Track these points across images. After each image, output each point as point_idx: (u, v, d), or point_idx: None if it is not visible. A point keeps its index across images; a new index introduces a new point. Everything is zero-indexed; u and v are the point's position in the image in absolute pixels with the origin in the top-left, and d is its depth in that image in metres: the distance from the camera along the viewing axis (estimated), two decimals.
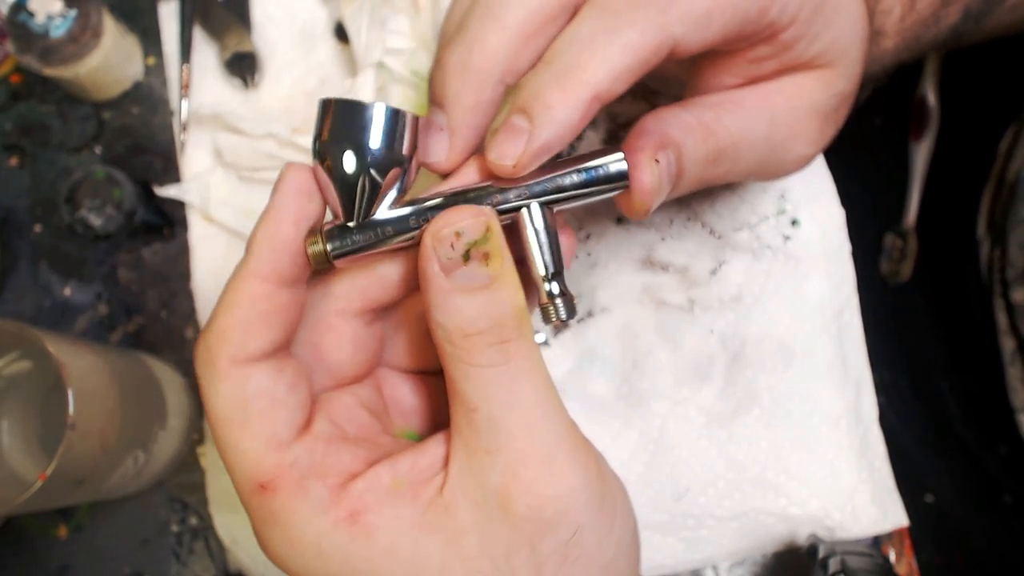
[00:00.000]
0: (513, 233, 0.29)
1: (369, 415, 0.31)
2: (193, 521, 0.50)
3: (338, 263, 0.28)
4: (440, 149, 0.30)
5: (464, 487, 0.26)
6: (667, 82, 0.47)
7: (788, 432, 0.47)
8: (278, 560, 0.27)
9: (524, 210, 0.29)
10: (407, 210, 0.28)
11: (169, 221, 0.53)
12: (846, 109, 0.36)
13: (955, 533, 0.68)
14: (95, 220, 0.50)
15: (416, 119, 0.28)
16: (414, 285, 0.30)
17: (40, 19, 0.49)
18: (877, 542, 0.47)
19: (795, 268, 0.49)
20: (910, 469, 0.53)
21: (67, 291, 0.53)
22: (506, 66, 0.29)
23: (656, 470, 0.47)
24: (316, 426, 0.28)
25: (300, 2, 0.56)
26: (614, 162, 0.29)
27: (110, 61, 0.52)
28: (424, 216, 0.28)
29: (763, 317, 0.48)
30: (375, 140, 0.27)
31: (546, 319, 0.30)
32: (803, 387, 0.47)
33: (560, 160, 0.30)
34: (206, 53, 0.55)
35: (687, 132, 0.31)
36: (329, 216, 0.29)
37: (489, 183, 0.29)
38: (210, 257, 0.52)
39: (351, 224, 0.28)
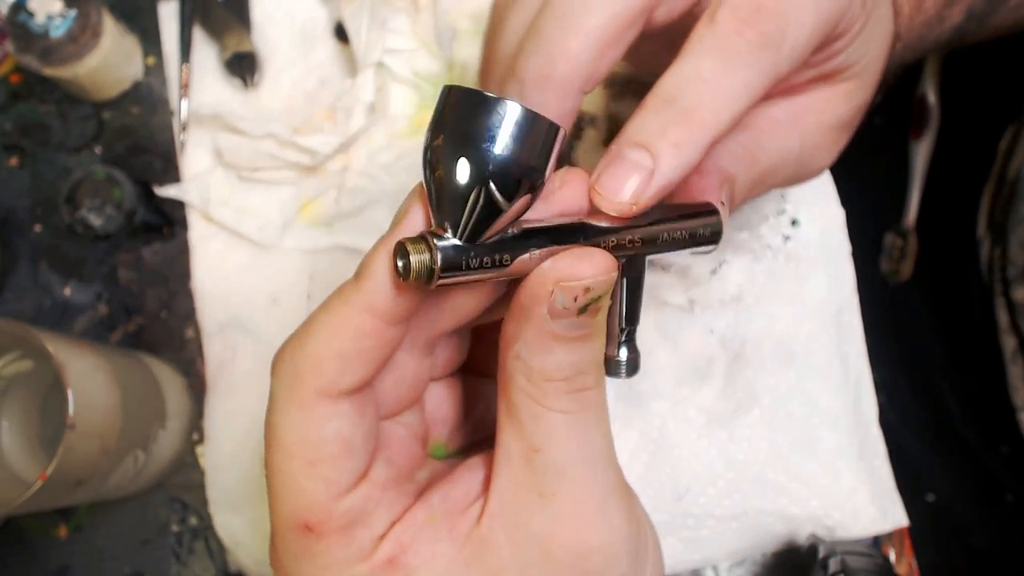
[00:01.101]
0: None
1: (419, 445, 0.29)
2: (193, 521, 0.50)
3: (435, 286, 0.23)
4: None
5: (505, 524, 0.25)
6: None
7: (788, 432, 0.47)
8: None
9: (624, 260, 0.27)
10: (531, 241, 0.24)
11: (169, 221, 0.53)
12: (861, 116, 0.36)
13: (956, 532, 0.68)
14: (95, 220, 0.51)
15: (565, 136, 0.24)
16: (489, 312, 0.28)
17: (40, 19, 0.49)
18: (877, 542, 0.47)
19: (795, 268, 0.49)
20: (911, 468, 0.53)
21: (67, 291, 0.54)
22: (587, 73, 0.28)
23: (656, 470, 0.47)
24: (374, 471, 0.26)
25: (300, 2, 0.56)
26: (712, 223, 0.28)
27: (110, 61, 0.52)
28: (543, 247, 0.24)
29: (763, 317, 0.48)
30: (527, 150, 0.22)
31: (609, 373, 0.28)
32: (803, 387, 0.47)
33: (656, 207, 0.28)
34: (206, 53, 0.55)
35: (736, 162, 0.31)
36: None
37: (588, 219, 0.26)
38: (210, 257, 0.52)
39: (465, 244, 0.23)
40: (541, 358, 0.24)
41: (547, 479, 0.25)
